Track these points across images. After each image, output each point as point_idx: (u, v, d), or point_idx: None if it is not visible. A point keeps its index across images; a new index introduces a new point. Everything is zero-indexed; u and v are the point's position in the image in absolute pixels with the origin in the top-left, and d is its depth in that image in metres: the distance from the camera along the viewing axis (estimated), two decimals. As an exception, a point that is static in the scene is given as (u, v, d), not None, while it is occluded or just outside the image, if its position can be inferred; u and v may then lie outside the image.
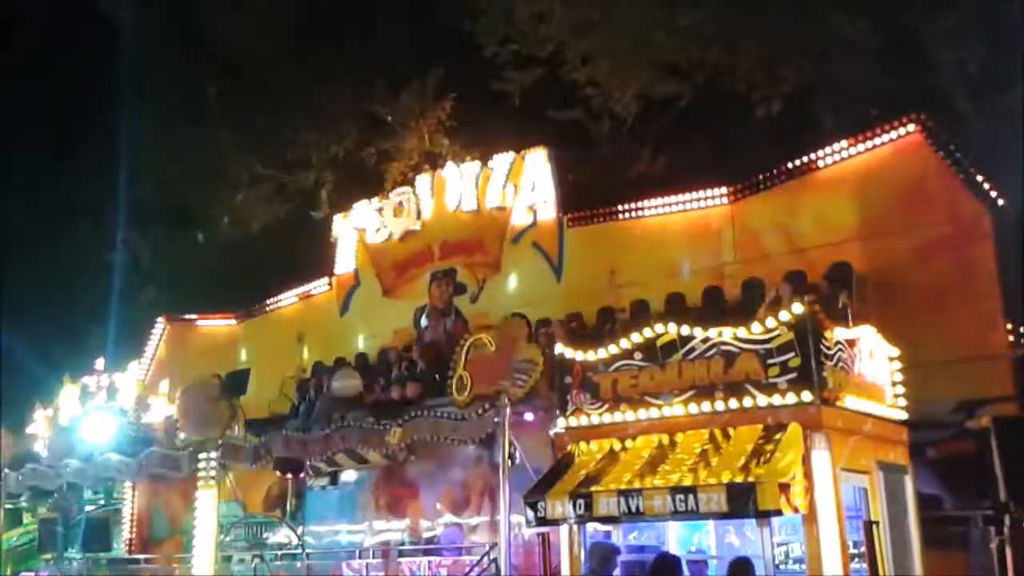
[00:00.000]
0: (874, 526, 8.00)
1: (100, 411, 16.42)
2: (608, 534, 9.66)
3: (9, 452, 17.02)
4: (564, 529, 9.25)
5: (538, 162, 16.09)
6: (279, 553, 14.25)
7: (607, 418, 9.34)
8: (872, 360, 9.30)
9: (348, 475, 15.98)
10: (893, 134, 12.65)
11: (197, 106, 22.19)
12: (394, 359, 14.97)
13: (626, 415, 9.22)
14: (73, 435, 16.34)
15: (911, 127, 12.49)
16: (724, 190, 14.05)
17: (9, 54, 26.66)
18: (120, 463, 13.94)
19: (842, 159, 13.12)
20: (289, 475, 13.83)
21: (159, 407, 16.55)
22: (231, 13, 21.29)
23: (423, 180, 17.75)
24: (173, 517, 17.69)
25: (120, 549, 17.32)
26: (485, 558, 11.08)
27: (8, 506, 16.63)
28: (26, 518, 20.53)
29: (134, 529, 17.06)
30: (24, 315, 24.91)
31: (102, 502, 18.02)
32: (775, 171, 13.67)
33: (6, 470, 15.59)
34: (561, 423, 9.75)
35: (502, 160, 16.49)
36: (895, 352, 9.71)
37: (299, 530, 14.07)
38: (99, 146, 23.57)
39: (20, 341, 24.03)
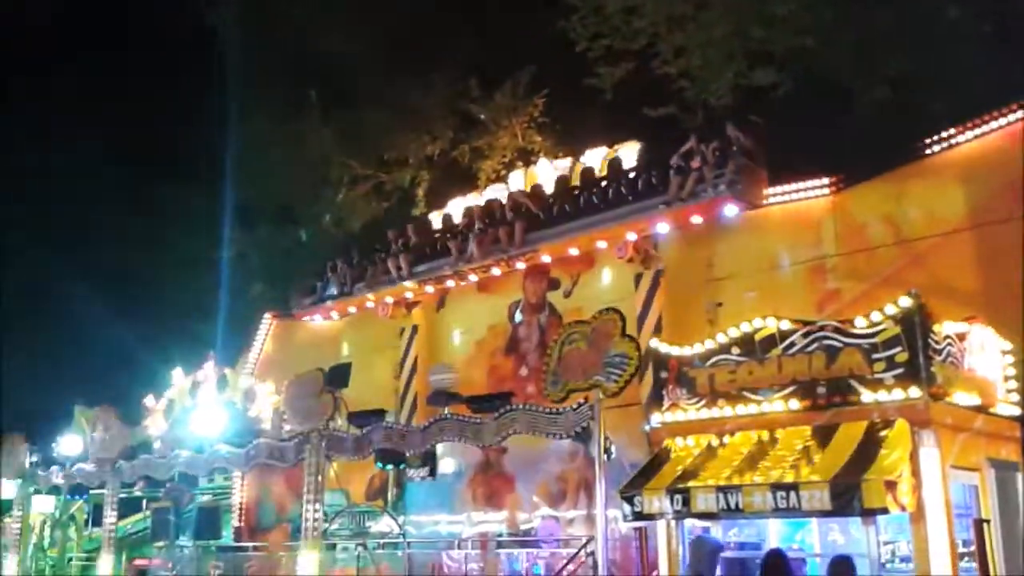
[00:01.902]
0: (985, 525, 7.75)
1: (210, 403, 17.06)
2: (707, 530, 9.59)
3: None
4: (661, 524, 9.23)
5: (631, 157, 16.01)
6: (381, 542, 14.62)
7: (704, 413, 9.28)
8: (983, 354, 9.00)
9: (446, 466, 16.28)
10: (1003, 120, 12.17)
11: (299, 109, 22.84)
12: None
13: (724, 410, 9.14)
14: (184, 427, 17.02)
15: (1021, 113, 11.99)
16: (825, 180, 13.72)
17: (127, 63, 28.05)
18: (229, 454, 14.45)
19: (950, 146, 12.68)
20: (390, 466, 14.15)
21: (266, 399, 17.12)
22: (330, 17, 21.82)
23: (516, 176, 17.86)
24: (280, 505, 18.32)
25: (229, 537, 17.97)
26: (582, 552, 11.12)
27: (123, 495, 17.41)
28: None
29: (243, 517, 17.68)
30: (139, 311, 26.14)
31: (212, 492, 18.74)
32: (880, 160, 13.27)
33: (121, 461, 16.32)
34: (657, 418, 9.73)
35: (594, 155, 16.46)
36: (1008, 346, 9.36)
37: (400, 520, 14.38)
38: (208, 149, 24.54)
39: (135, 335, 25.23)
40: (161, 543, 18.16)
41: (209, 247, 24.59)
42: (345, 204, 22.54)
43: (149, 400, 19.99)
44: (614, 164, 15.56)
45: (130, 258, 27.22)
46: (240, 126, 23.67)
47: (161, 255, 26.33)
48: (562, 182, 16.31)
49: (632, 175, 15.05)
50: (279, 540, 16.39)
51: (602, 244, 15.38)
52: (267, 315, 21.73)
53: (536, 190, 16.50)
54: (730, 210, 13.52)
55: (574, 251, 15.78)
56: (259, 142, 23.37)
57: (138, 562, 20.89)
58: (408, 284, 17.84)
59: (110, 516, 16.33)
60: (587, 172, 15.93)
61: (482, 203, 17.46)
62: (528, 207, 16.12)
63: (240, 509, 18.03)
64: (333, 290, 19.08)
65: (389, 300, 18.29)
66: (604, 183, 15.32)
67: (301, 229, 23.97)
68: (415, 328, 18.54)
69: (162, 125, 26.51)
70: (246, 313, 22.78)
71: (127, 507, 20.01)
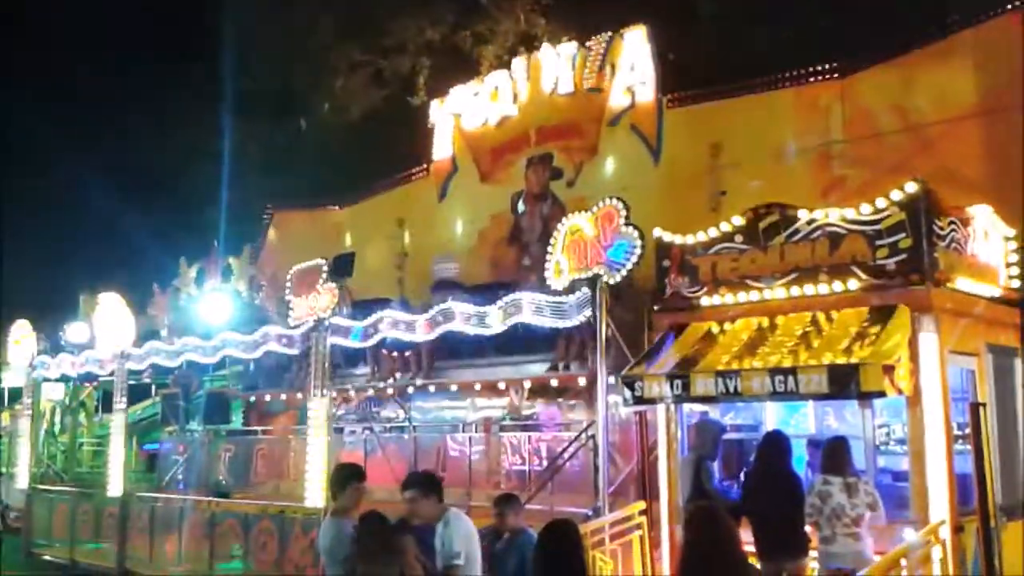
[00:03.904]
0: (981, 408, 7.87)
1: (216, 292, 17.19)
2: (705, 414, 9.78)
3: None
4: (661, 408, 9.41)
5: (637, 41, 15.65)
6: (388, 426, 14.94)
7: (705, 301, 9.32)
8: (986, 240, 8.97)
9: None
10: (1016, 2, 11.82)
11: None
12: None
13: (725, 298, 9.17)
14: (191, 315, 17.20)
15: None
16: (835, 64, 13.41)
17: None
18: (237, 341, 14.64)
19: (961, 30, 12.35)
20: (395, 353, 14.34)
21: (272, 288, 17.23)
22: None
23: (519, 63, 17.51)
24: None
25: (239, 422, 18.38)
26: (583, 435, 11.38)
27: (132, 382, 17.74)
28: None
29: (251, 403, 18.03)
30: (144, 201, 26.12)
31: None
32: (890, 44, 12.96)
33: (129, 347, 16.55)
34: (659, 306, 9.79)
35: (599, 40, 16.09)
36: (1011, 232, 9.34)
37: (406, 405, 14.66)
38: (207, 38, 24.04)
39: (140, 225, 25.28)
40: (171, 428, 18.57)
41: (212, 137, 24.36)
42: (345, 92, 22.18)
43: (156, 290, 20.17)
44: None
45: (135, 148, 27.05)
46: (238, 10, 23.08)
47: (164, 146, 26.13)
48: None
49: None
50: (288, 424, 16.76)
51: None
52: (269, 207, 21.69)
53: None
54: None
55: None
56: (256, 27, 22.84)
57: (148, 447, 21.49)
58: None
59: (120, 402, 16.66)
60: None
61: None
62: None
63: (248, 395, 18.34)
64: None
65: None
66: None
67: (300, 118, 23.68)
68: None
69: (165, 13, 25.90)
70: (249, 203, 22.74)
71: (137, 393, 20.42)
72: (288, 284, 13.58)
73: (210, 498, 14.57)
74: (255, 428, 17.57)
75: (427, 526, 6.28)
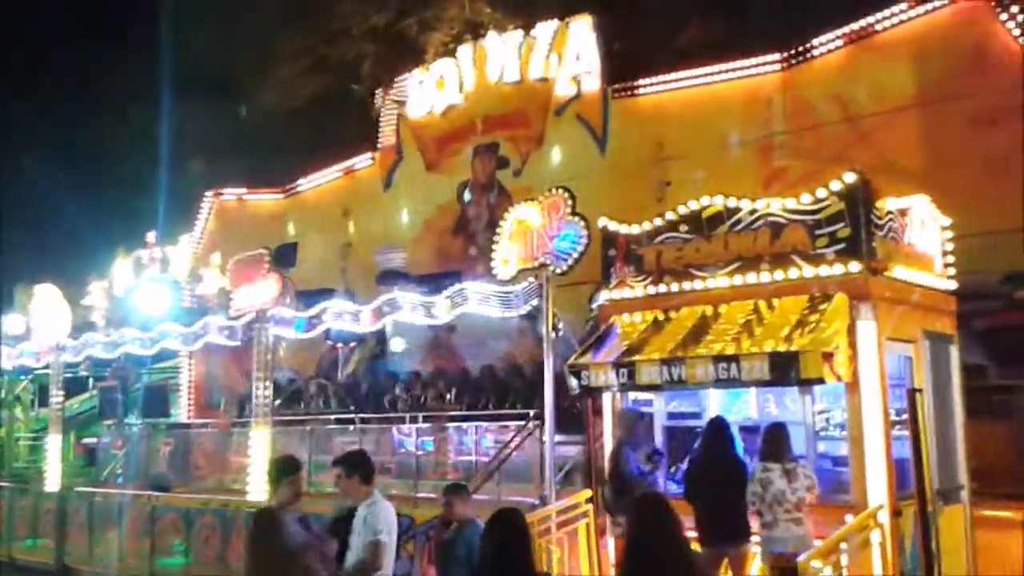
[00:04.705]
0: (917, 394, 8.02)
1: (154, 282, 16.83)
2: (650, 403, 9.84)
3: None
4: (607, 396, 9.44)
5: (583, 30, 15.70)
6: (332, 418, 14.78)
7: (651, 290, 9.36)
8: (923, 230, 9.14)
9: (396, 345, 16.37)
10: (953, -4, 12.09)
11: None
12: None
13: (670, 287, 9.22)
14: (128, 305, 16.82)
15: (974, -12, 11.91)
16: (776, 56, 13.60)
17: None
18: (176, 332, 14.37)
19: (901, 23, 12.59)
20: (340, 344, 14.20)
21: (212, 279, 16.92)
22: None
23: (465, 51, 17.43)
24: (229, 384, 18.37)
25: (178, 415, 18.05)
26: (531, 423, 11.38)
27: (69, 375, 17.31)
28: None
29: (192, 396, 17.72)
30: (77, 189, 25.36)
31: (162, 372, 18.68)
32: (830, 36, 13.17)
33: (65, 339, 16.14)
34: (604, 295, 9.80)
35: (546, 29, 16.10)
36: (947, 221, 9.53)
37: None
38: (144, 19, 23.43)
39: (75, 213, 24.56)
40: (109, 422, 18.18)
41: (150, 122, 23.74)
42: (287, 78, 21.81)
43: (92, 280, 19.67)
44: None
45: (70, 135, 26.25)
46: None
47: (100, 131, 25.41)
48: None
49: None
50: (229, 418, 16.50)
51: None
52: (208, 194, 21.26)
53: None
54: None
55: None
56: (199, 10, 22.32)
57: (86, 441, 20.98)
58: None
59: (56, 396, 16.25)
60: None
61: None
62: None
63: (189, 388, 18.03)
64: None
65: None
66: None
67: (241, 104, 23.22)
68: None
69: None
70: (188, 190, 22.26)
71: (74, 387, 19.92)
72: (228, 274, 13.35)
73: (150, 492, 14.29)
74: (196, 421, 17.27)
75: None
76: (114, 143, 25.13)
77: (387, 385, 15.51)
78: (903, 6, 12.53)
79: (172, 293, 16.39)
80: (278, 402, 14.31)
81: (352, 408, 14.47)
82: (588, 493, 9.74)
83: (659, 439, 9.51)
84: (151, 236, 17.98)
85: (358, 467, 6.41)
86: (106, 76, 24.82)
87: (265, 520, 6.12)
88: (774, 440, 7.81)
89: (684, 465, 8.86)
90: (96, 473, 17.76)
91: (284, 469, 6.44)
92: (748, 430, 8.86)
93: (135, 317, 15.82)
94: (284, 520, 6.10)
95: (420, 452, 12.95)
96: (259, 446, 12.35)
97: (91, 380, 21.22)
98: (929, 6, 12.32)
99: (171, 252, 17.93)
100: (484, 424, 12.57)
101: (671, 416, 9.95)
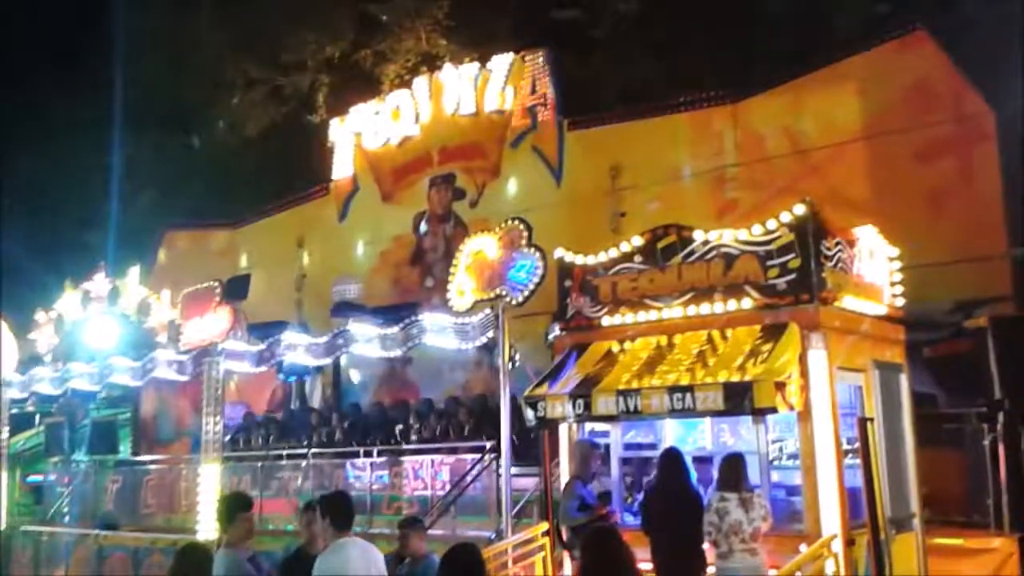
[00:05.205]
0: (868, 423, 8.09)
1: (103, 316, 16.50)
2: (607, 433, 9.81)
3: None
4: (563, 428, 9.40)
5: (538, 64, 15.82)
6: (284, 453, 14.52)
7: (606, 321, 9.38)
8: (872, 260, 9.28)
9: (351, 377, 16.19)
10: (899, 31, 12.40)
11: (192, 6, 21.67)
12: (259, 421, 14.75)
13: (625, 318, 9.24)
14: (76, 339, 16.47)
15: (917, 24, 12.23)
16: (727, 90, 13.82)
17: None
18: (125, 367, 14.07)
19: (847, 57, 12.88)
20: (292, 378, 14.00)
21: (162, 312, 16.63)
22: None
23: (421, 83, 17.47)
24: (179, 419, 18.02)
25: (127, 451, 17.64)
26: (487, 456, 11.29)
27: (15, 411, 16.87)
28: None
29: (140, 431, 17.34)
30: (25, 220, 24.84)
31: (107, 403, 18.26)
32: (779, 71, 13.43)
33: (11, 373, 15.74)
34: (560, 326, 9.80)
35: (501, 61, 16.20)
36: (895, 252, 9.69)
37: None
38: (95, 50, 23.13)
39: (21, 246, 24.02)
40: (56, 458, 17.71)
41: (99, 154, 23.39)
42: (241, 109, 21.65)
43: (38, 313, 19.22)
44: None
45: (16, 164, 25.72)
46: (128, 24, 22.32)
47: (49, 161, 24.96)
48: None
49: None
50: (179, 453, 16.16)
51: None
52: (159, 225, 20.95)
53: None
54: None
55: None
56: (148, 41, 22.12)
57: (33, 478, 20.40)
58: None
59: (2, 432, 15.81)
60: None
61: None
62: None
63: (137, 423, 17.64)
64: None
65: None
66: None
67: (193, 135, 22.98)
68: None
69: (43, 22, 24.79)
70: (138, 222, 21.92)
71: (20, 422, 19.40)
72: (179, 307, 13.14)
73: (97, 531, 13.91)
74: (144, 458, 16.88)
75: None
76: (63, 174, 24.68)
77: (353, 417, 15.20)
78: (850, 41, 12.81)
79: (121, 326, 16.09)
80: (228, 437, 14.05)
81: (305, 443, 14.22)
82: (545, 526, 9.66)
83: (615, 470, 9.48)
84: (100, 268, 17.64)
85: (327, 508, 5.95)
86: (54, 108, 24.40)
87: (197, 557, 5.68)
88: (732, 470, 7.81)
89: (640, 496, 8.84)
90: (42, 512, 17.26)
91: (235, 506, 6.27)
92: (701, 460, 8.88)
93: (83, 351, 15.48)
94: (226, 559, 5.90)
95: (375, 486, 12.76)
96: (209, 482, 12.09)
97: (38, 416, 20.69)
98: (875, 41, 12.61)
99: (120, 284, 17.61)
100: (439, 457, 12.44)
101: (627, 447, 9.94)
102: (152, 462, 16.49)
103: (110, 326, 15.85)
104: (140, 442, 17.43)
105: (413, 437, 13.26)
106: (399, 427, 13.54)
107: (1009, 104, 11.63)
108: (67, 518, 16.27)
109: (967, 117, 11.81)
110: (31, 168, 25.39)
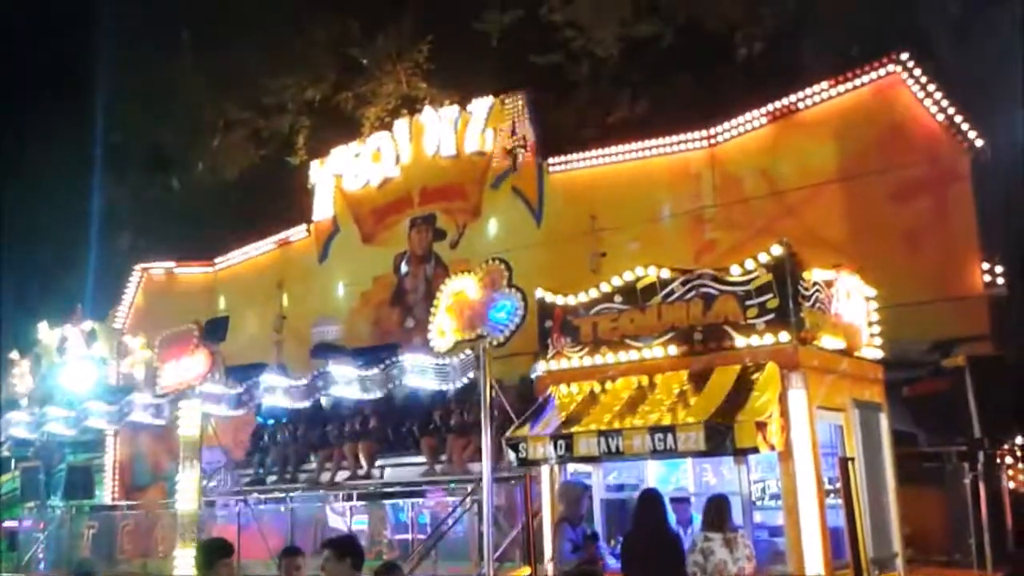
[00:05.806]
0: (849, 463, 8.13)
1: (80, 359, 16.34)
2: (588, 474, 9.77)
3: None
4: (545, 469, 9.35)
5: (517, 106, 15.97)
6: (263, 498, 14.33)
7: (587, 361, 9.39)
8: (849, 300, 9.37)
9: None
10: (873, 74, 12.65)
11: (171, 50, 21.78)
12: (348, 414, 14.67)
13: (606, 357, 9.27)
14: (53, 383, 16.28)
15: (892, 67, 12.48)
16: (704, 133, 14.01)
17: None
18: (101, 411, 13.91)
19: (822, 100, 13.12)
20: (271, 421, 13.87)
21: (139, 354, 16.50)
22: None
23: (401, 125, 17.58)
24: (156, 463, 17.77)
25: (103, 496, 17.36)
26: (468, 499, 11.19)
27: (-10, 456, 16.64)
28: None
29: (117, 476, 17.09)
30: (1, 262, 24.63)
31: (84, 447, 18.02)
32: (754, 114, 13.62)
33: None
34: (542, 366, 9.80)
35: (481, 104, 16.34)
36: (872, 292, 9.79)
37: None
38: (75, 92, 23.14)
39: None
40: (31, 503, 17.40)
41: (78, 195, 23.29)
42: (220, 151, 21.67)
43: (15, 356, 19.02)
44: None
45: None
46: (109, 67, 22.38)
47: (26, 202, 24.80)
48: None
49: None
50: (156, 498, 15.91)
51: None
52: (137, 267, 20.82)
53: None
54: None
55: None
56: (128, 84, 22.17)
57: (7, 524, 20.02)
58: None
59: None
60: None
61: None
62: None
63: (114, 467, 17.38)
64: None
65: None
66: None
67: (173, 177, 22.94)
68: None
69: (21, 61, 24.77)
70: (116, 264, 21.76)
71: (-1, 468, 19.11)
72: (156, 350, 13.02)
73: (72, 579, 13.60)
74: (120, 503, 16.61)
75: None
76: (39, 216, 24.53)
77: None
78: (824, 84, 13.03)
79: (98, 370, 15.93)
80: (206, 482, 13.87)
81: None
82: (527, 570, 9.57)
83: (597, 512, 9.43)
84: (77, 311, 17.50)
85: (350, 552, 5.97)
86: (31, 149, 24.33)
87: None
88: (716, 510, 7.79)
89: (622, 538, 8.78)
90: (17, 558, 16.91)
91: (215, 552, 6.14)
92: (678, 501, 8.84)
93: (60, 394, 15.30)
94: None
95: (353, 529, 12.60)
96: (187, 528, 11.90)
97: (13, 460, 20.38)
98: (850, 84, 12.84)
99: (98, 327, 17.46)
100: (420, 500, 12.31)
101: (609, 488, 9.89)
102: (129, 507, 16.24)
103: (87, 370, 15.70)
104: (116, 487, 17.14)
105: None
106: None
107: (984, 143, 11.85)
108: (42, 565, 15.94)
109: (942, 158, 12.00)
110: (7, 209, 25.23)
